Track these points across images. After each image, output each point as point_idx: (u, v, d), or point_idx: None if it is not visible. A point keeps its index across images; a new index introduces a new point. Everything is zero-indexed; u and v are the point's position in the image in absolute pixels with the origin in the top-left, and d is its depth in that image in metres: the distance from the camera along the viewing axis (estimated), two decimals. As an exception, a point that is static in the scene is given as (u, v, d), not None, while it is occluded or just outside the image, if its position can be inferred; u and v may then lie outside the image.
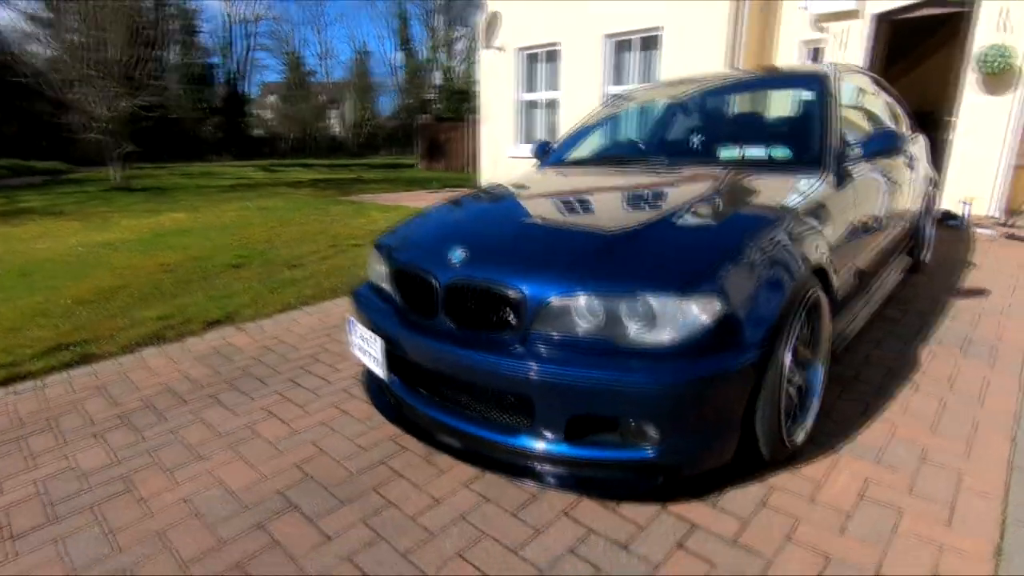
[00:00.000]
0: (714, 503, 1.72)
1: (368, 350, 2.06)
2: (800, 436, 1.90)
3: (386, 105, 33.36)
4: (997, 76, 5.64)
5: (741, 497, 1.74)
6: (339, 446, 2.10)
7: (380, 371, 2.01)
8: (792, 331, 1.73)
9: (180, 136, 22.90)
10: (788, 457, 1.87)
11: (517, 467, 1.72)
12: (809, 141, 2.40)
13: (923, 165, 3.74)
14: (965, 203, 5.63)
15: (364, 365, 2.17)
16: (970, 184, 5.89)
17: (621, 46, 8.13)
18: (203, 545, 1.61)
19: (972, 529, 1.58)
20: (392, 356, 1.96)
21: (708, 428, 1.61)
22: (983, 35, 5.70)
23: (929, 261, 4.20)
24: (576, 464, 1.67)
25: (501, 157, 9.80)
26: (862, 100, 3.09)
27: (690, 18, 7.06)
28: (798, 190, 2.09)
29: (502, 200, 2.50)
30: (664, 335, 1.54)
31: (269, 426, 2.25)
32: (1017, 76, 5.57)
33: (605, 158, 3.01)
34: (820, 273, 1.92)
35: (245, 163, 21.60)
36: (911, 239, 3.64)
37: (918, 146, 3.70)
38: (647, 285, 1.57)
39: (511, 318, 1.70)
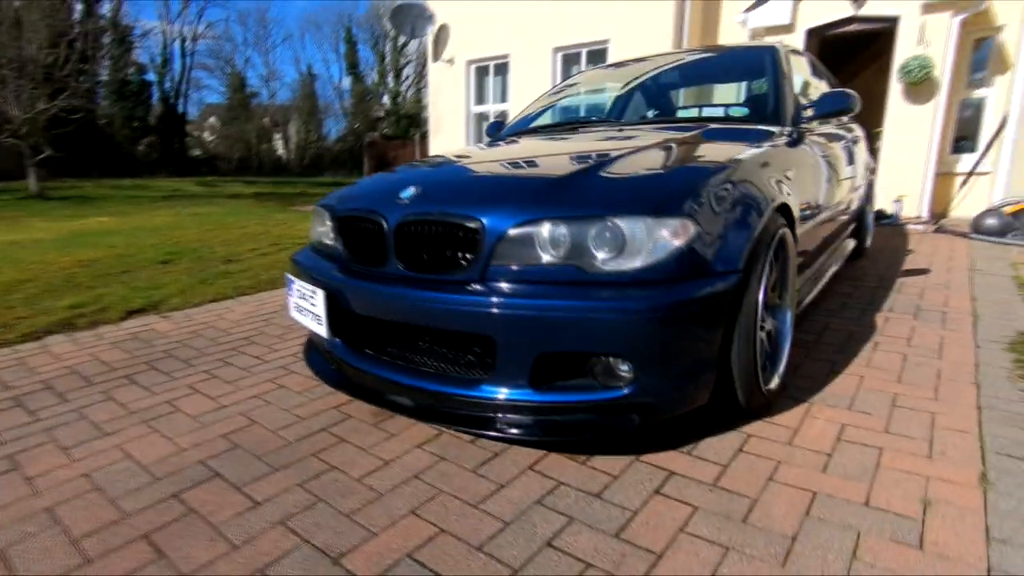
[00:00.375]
0: (690, 452, 1.59)
1: (308, 308, 1.85)
2: (774, 382, 1.81)
3: (333, 128, 32.91)
4: (918, 86, 6.01)
5: (717, 445, 1.62)
6: (274, 417, 1.85)
7: (322, 330, 1.80)
8: (764, 265, 1.65)
9: (112, 152, 21.70)
10: (762, 406, 1.77)
11: (479, 420, 1.54)
12: (767, 101, 2.39)
13: (864, 150, 3.86)
14: (898, 200, 5.92)
15: (305, 340, 1.97)
16: (898, 188, 6.21)
17: (569, 59, 8.26)
18: (101, 519, 1.34)
19: (954, 461, 1.51)
20: (336, 311, 1.76)
21: (684, 364, 1.49)
22: (904, 48, 6.09)
23: (870, 247, 4.34)
24: (543, 411, 1.51)
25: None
26: (804, 77, 3.16)
27: (635, 32, 7.25)
28: (760, 140, 2.05)
29: (454, 160, 2.36)
30: (636, 261, 1.43)
31: (192, 402, 1.98)
32: (937, 86, 5.95)
33: (563, 125, 2.92)
34: (785, 212, 1.87)
35: (183, 179, 20.65)
36: (857, 222, 3.72)
37: (858, 132, 3.83)
38: (617, 209, 1.46)
39: (468, 253, 1.55)
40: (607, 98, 3.48)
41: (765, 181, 1.79)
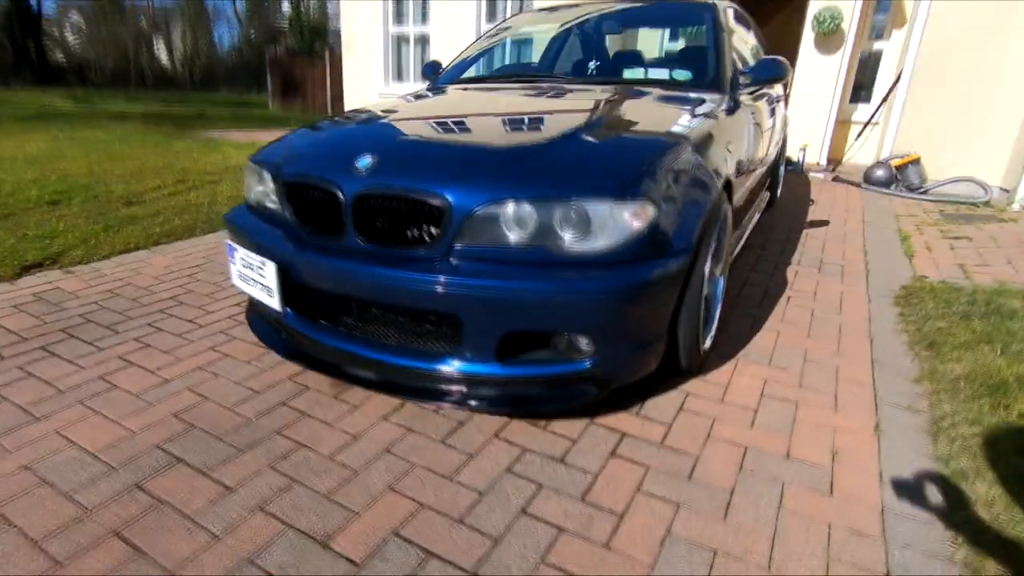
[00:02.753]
0: (638, 413, 1.75)
1: (256, 279, 1.77)
2: (707, 343, 2.00)
3: (226, 36, 29.40)
4: (828, 36, 6.32)
5: (662, 405, 1.80)
6: (226, 391, 1.80)
7: (274, 302, 1.74)
8: (712, 240, 1.78)
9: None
10: (699, 366, 1.96)
11: (445, 392, 1.60)
12: (707, 66, 2.45)
13: (783, 108, 4.09)
14: (803, 149, 6.36)
15: (247, 300, 1.88)
16: (804, 136, 6.65)
17: (494, -20, 7.83)
18: (61, 517, 1.29)
19: (854, 412, 1.79)
20: (288, 284, 1.71)
21: (639, 337, 1.61)
22: (818, -1, 6.33)
23: (779, 197, 4.69)
24: (508, 383, 1.59)
25: (371, 95, 9.12)
26: (734, 30, 3.25)
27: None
28: (703, 112, 2.13)
29: (403, 112, 2.26)
30: (599, 242, 1.49)
31: (130, 376, 1.87)
32: (845, 38, 6.29)
33: (505, 76, 2.85)
34: (727, 186, 1.99)
35: (47, 91, 17.87)
36: (772, 175, 4.00)
37: (779, 90, 4.03)
38: (582, 191, 1.49)
39: (432, 230, 1.54)
40: (542, 42, 3.39)
41: (714, 158, 1.89)
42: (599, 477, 1.47)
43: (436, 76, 3.06)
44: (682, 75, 2.52)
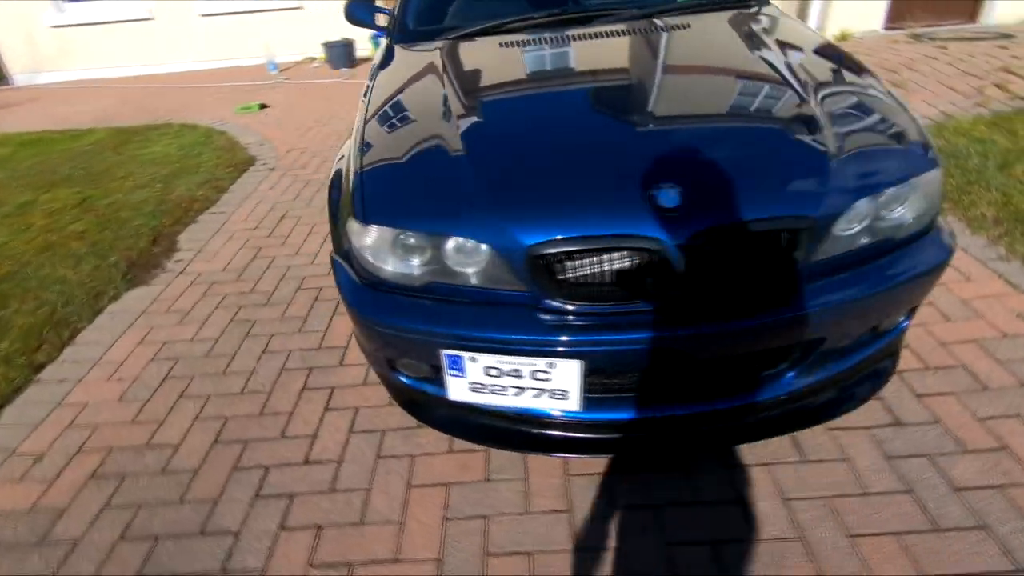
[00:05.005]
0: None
1: (526, 385, 1.36)
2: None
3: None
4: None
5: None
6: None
7: (567, 404, 1.37)
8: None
9: None
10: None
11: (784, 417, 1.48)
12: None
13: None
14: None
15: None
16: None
17: None
18: None
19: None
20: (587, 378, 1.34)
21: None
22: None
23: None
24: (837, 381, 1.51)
25: (36, 27, 7.39)
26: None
27: None
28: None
29: (519, 107, 1.72)
30: (919, 216, 1.38)
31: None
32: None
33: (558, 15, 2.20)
34: None
35: None
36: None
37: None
38: (914, 168, 1.36)
39: (789, 255, 1.28)
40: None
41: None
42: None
43: (403, 30, 2.31)
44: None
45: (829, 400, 1.51)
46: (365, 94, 1.91)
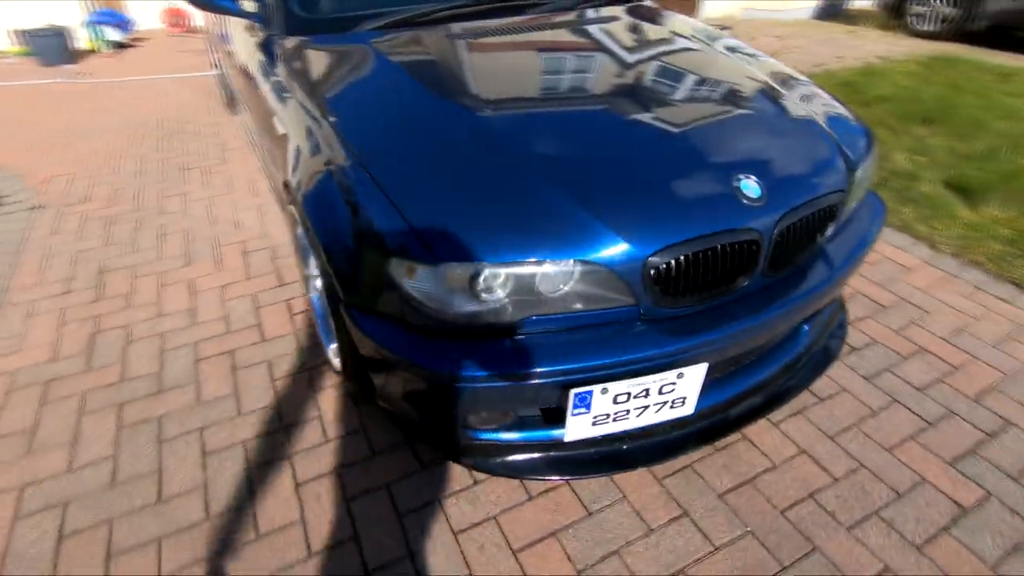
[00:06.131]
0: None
1: (648, 404, 1.33)
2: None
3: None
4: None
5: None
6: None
7: (683, 410, 1.38)
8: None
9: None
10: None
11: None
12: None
13: None
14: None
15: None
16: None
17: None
18: None
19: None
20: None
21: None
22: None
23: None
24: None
25: None
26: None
27: None
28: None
29: (577, 104, 1.60)
30: (867, 178, 1.66)
31: None
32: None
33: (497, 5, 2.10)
34: None
35: None
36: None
37: None
38: (868, 141, 1.67)
39: (826, 228, 1.47)
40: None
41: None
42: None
43: (288, 14, 1.95)
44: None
45: (824, 348, 1.75)
46: (309, 113, 1.58)
